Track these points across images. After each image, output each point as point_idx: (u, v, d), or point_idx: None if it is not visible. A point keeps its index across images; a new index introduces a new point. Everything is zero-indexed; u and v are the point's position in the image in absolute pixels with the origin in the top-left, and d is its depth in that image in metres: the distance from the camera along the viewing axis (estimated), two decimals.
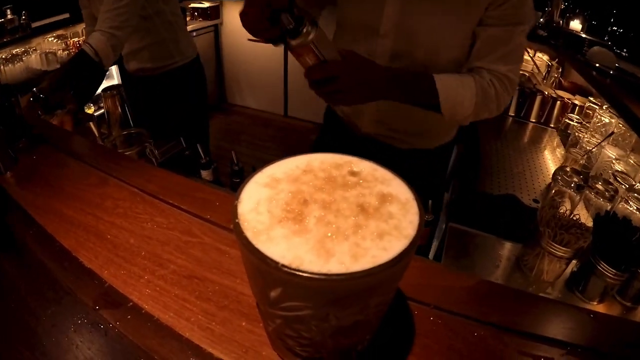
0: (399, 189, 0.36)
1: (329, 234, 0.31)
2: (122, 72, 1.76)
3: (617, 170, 1.18)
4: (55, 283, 0.52)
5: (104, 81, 1.36)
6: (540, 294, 0.82)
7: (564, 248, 0.81)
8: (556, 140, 1.69)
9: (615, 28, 2.09)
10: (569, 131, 1.57)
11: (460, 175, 1.47)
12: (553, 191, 1.02)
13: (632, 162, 1.27)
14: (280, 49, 3.28)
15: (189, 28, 3.17)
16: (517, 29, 0.79)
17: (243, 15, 0.68)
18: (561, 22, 2.37)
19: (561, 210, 0.86)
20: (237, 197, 0.34)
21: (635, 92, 1.32)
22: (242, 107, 3.98)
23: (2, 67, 2.17)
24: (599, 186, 1.03)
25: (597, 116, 1.52)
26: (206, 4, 3.44)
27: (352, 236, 0.31)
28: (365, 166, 0.39)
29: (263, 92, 3.80)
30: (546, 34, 2.32)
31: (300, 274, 0.28)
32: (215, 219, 0.63)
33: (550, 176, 1.19)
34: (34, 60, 2.31)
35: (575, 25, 2.26)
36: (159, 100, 1.68)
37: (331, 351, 0.37)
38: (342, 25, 0.96)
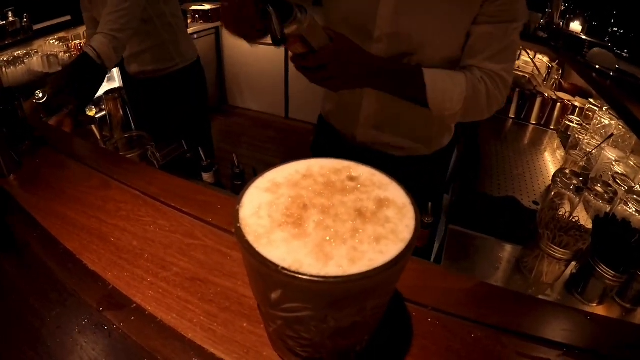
0: (396, 194, 0.37)
1: (328, 238, 0.32)
2: (124, 75, 1.76)
3: (616, 172, 1.18)
4: (59, 285, 0.53)
5: (106, 84, 1.37)
6: (540, 296, 0.83)
7: (563, 250, 0.81)
8: (556, 142, 1.69)
9: (615, 29, 2.09)
10: (569, 133, 1.57)
11: (460, 177, 1.47)
12: (553, 193, 1.02)
13: (632, 164, 1.27)
14: (280, 49, 3.29)
15: (190, 30, 3.18)
16: (510, 26, 0.79)
17: (225, 9, 0.67)
18: (561, 23, 2.37)
19: (561, 212, 0.87)
20: (238, 202, 0.35)
21: (635, 94, 1.32)
22: (243, 109, 3.99)
23: (3, 69, 2.18)
24: (599, 188, 1.03)
25: (597, 118, 1.52)
26: (207, 6, 3.46)
27: (350, 240, 0.32)
28: (363, 171, 0.40)
29: (264, 94, 3.81)
30: (546, 35, 2.33)
31: (300, 276, 0.28)
32: (217, 222, 0.63)
33: (550, 178, 1.20)
34: (35, 62, 2.32)
35: (576, 26, 2.27)
36: (160, 103, 1.69)
37: (330, 351, 0.38)
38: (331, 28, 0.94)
